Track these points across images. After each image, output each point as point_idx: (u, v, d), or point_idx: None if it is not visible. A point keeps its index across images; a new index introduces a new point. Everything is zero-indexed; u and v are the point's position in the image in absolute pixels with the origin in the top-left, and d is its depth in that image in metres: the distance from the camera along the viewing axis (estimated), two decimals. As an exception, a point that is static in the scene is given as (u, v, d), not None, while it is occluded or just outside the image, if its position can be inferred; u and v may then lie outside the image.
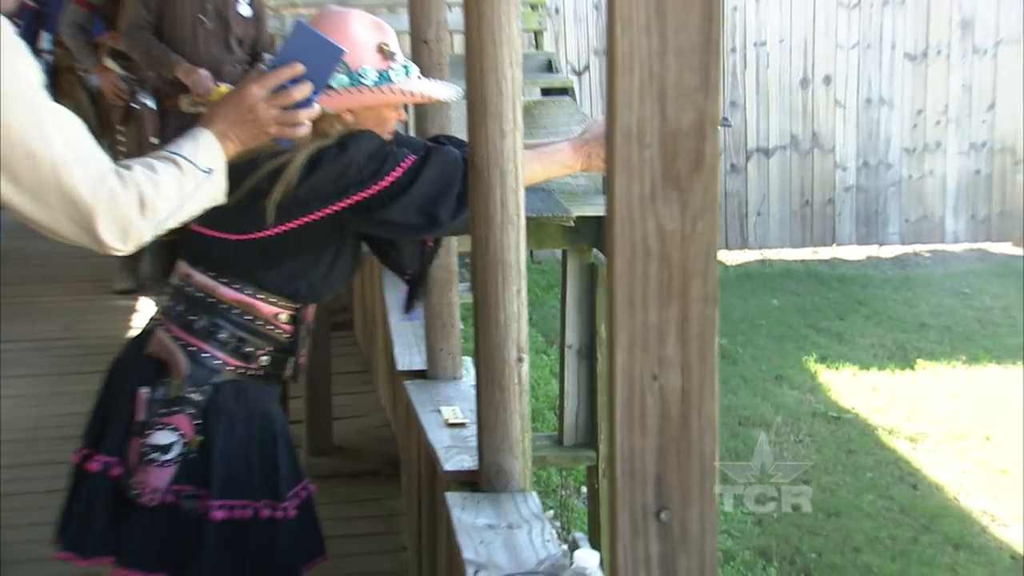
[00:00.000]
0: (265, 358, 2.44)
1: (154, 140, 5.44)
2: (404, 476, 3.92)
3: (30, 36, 5.61)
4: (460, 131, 3.14)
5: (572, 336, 3.64)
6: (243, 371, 2.42)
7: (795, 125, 9.40)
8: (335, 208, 2.34)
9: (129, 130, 5.86)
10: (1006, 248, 9.84)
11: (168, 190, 1.95)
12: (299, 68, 2.08)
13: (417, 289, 2.68)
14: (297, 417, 4.25)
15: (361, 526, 3.89)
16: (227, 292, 2.40)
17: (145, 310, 6.12)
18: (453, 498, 2.37)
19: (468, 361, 3.32)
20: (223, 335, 2.40)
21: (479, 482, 2.40)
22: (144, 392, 2.36)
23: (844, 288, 8.90)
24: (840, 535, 5.48)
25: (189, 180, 1.99)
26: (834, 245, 9.67)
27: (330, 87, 2.30)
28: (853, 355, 7.62)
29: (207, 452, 2.38)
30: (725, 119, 2.66)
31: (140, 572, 2.41)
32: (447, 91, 2.59)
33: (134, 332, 5.73)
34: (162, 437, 2.35)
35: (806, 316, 8.04)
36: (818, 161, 9.57)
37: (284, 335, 2.46)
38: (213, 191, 2.03)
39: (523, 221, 2.31)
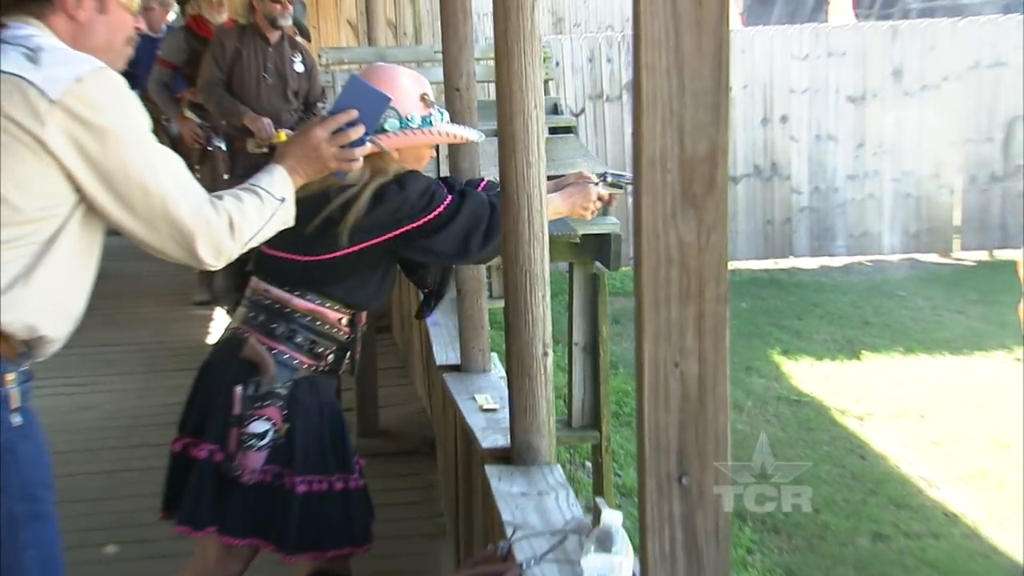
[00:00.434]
0: (331, 356, 2.47)
1: (225, 177, 5.47)
2: (440, 454, 3.94)
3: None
4: (488, 165, 3.17)
5: (578, 335, 3.63)
6: (315, 368, 2.45)
7: (758, 157, 9.36)
8: (391, 235, 2.37)
9: (204, 169, 5.88)
10: (933, 258, 9.80)
11: (251, 216, 1.98)
12: (353, 113, 2.11)
13: (433, 298, 2.70)
14: (348, 406, 4.26)
15: (403, 496, 3.88)
16: (300, 303, 2.42)
17: (218, 318, 6.18)
18: (491, 470, 2.38)
19: (495, 356, 3.34)
20: (299, 339, 2.42)
21: (511, 457, 2.41)
22: (239, 390, 2.38)
23: (801, 293, 8.88)
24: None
25: (267, 207, 2.01)
26: (792, 257, 9.63)
27: (384, 130, 2.32)
28: (809, 348, 7.60)
29: (290, 437, 2.40)
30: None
31: (238, 539, 2.43)
32: (475, 134, 2.63)
33: (211, 337, 5.81)
34: (258, 426, 2.37)
35: (770, 316, 8.02)
36: (777, 187, 9.54)
37: (345, 336, 2.48)
38: (285, 216, 2.06)
39: (547, 238, 2.32)
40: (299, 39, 5.86)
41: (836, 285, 9.15)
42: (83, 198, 1.82)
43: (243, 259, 2.11)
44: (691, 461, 1.28)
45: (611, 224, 3.48)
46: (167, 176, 1.87)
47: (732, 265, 9.76)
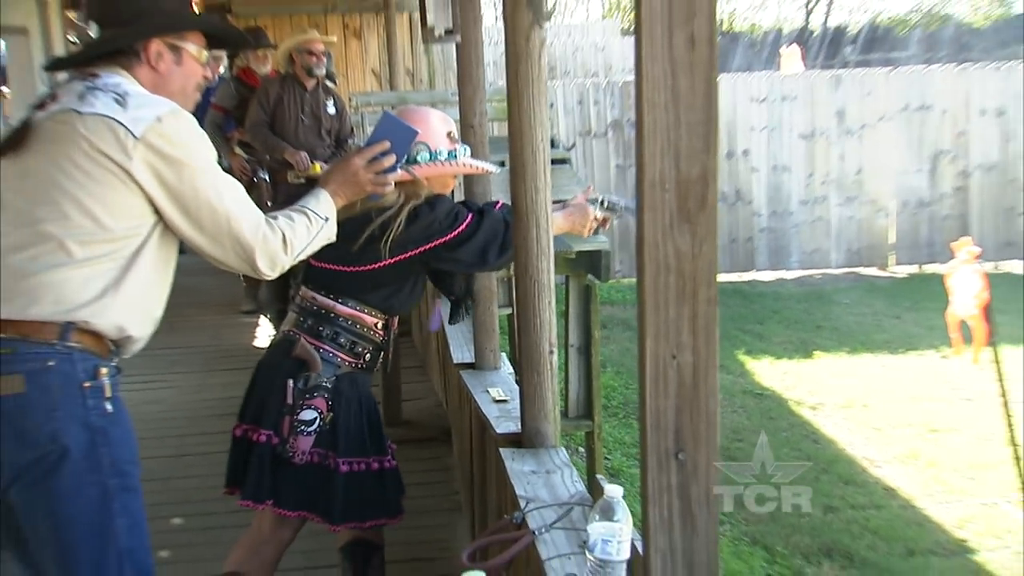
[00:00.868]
0: (368, 355, 2.46)
1: (269, 204, 5.46)
2: (455, 440, 3.93)
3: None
4: (497, 191, 3.17)
5: (574, 338, 3.61)
6: (355, 365, 2.44)
7: (724, 185, 9.30)
8: (423, 249, 2.38)
9: (251, 197, 5.87)
10: (873, 271, 9.79)
11: (301, 233, 1.98)
12: (386, 144, 2.12)
13: (460, 305, 2.68)
14: (375, 398, 4.26)
15: (423, 477, 3.86)
16: (343, 308, 2.42)
17: (263, 325, 6.16)
18: (505, 452, 2.37)
19: (504, 356, 3.34)
20: (342, 339, 2.42)
21: (522, 441, 2.40)
22: (291, 383, 2.37)
23: (761, 301, 8.87)
24: (765, 476, 5.47)
25: (314, 225, 2.02)
26: (753, 271, 9.62)
27: (415, 161, 2.33)
28: (769, 349, 7.59)
29: (334, 424, 2.40)
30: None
31: (291, 511, 2.43)
32: (493, 167, 2.65)
33: (256, 341, 5.79)
34: (307, 415, 2.37)
35: (735, 322, 7.99)
36: (741, 210, 9.54)
37: (380, 338, 2.48)
38: (329, 232, 2.06)
39: (552, 252, 2.32)
40: (330, 84, 5.87)
41: (791, 295, 9.15)
42: (161, 218, 1.83)
43: (284, 276, 2.11)
44: (686, 439, 1.28)
45: (601, 242, 3.47)
46: (231, 200, 1.88)
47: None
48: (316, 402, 2.37)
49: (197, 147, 1.83)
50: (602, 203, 2.55)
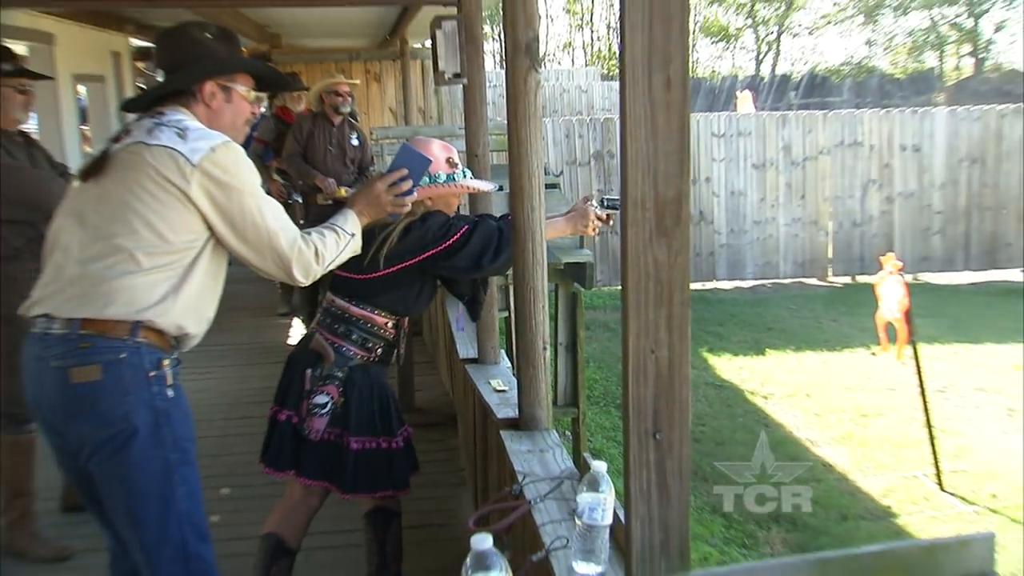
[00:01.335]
0: (380, 350, 2.43)
1: (301, 221, 5.44)
2: (460, 425, 3.90)
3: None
4: (500, 208, 3.15)
5: (562, 337, 3.60)
6: (367, 358, 2.41)
7: (690, 208, 9.38)
8: (419, 258, 2.35)
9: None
10: (814, 281, 9.79)
11: (331, 246, 1.98)
12: (404, 171, 2.11)
13: (474, 307, 2.64)
14: (390, 388, 4.23)
15: (432, 456, 3.84)
16: (355, 310, 2.40)
17: (295, 325, 6.13)
18: (505, 434, 2.35)
19: (503, 352, 3.31)
20: (354, 336, 2.39)
21: (519, 424, 2.38)
22: (308, 372, 2.37)
23: (721, 307, 8.87)
24: (724, 455, 5.44)
25: (342, 240, 2.01)
26: (714, 280, 9.62)
27: (420, 184, 2.32)
28: (728, 347, 7.59)
29: (346, 407, 2.37)
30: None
31: (312, 480, 2.41)
32: (488, 185, 2.61)
33: (290, 339, 5.76)
34: (320, 399, 2.36)
35: (698, 324, 7.98)
36: (704, 229, 9.53)
37: (391, 336, 2.45)
38: (355, 246, 2.06)
39: (545, 263, 2.30)
40: (354, 120, 5.86)
41: (746, 301, 9.15)
42: (213, 234, 1.83)
43: (314, 283, 2.11)
44: (663, 422, 1.27)
45: (586, 255, 3.47)
46: (271, 218, 1.87)
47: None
48: (328, 388, 2.36)
49: (244, 174, 1.83)
50: (603, 202, 2.52)
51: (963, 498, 5.02)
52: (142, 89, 7.49)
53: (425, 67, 9.29)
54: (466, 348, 3.48)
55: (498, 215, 2.50)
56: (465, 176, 2.47)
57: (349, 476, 2.38)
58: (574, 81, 17.00)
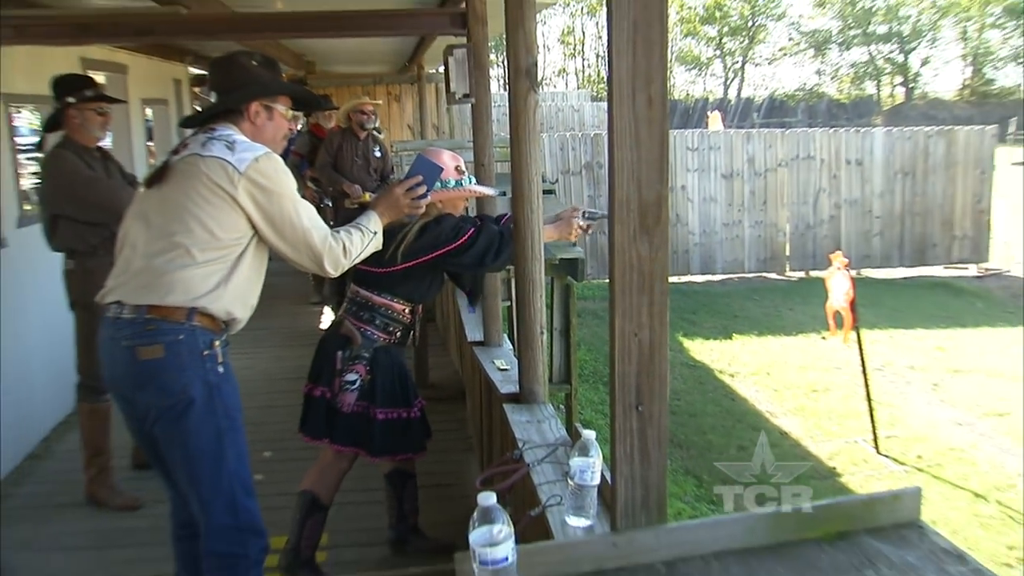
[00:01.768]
0: (399, 333, 2.42)
1: (331, 222, 5.41)
2: (468, 399, 3.87)
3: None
4: (501, 210, 3.13)
5: (556, 323, 3.56)
6: (388, 341, 2.41)
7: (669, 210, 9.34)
8: (433, 256, 2.34)
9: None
10: (774, 276, 9.77)
11: (357, 243, 1.96)
12: (419, 178, 2.10)
13: (474, 296, 2.66)
14: (407, 367, 4.20)
15: (444, 426, 3.82)
16: (377, 299, 2.39)
17: (326, 312, 6.10)
18: (507, 407, 2.35)
19: (505, 335, 3.31)
20: (377, 321, 2.39)
21: (520, 399, 2.38)
22: (339, 353, 2.36)
23: (694, 297, 8.87)
24: (696, 425, 5.46)
25: (366, 237, 2.00)
26: (688, 274, 9.59)
27: (433, 189, 2.30)
28: (700, 332, 7.60)
29: (372, 384, 2.37)
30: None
31: (343, 447, 2.42)
32: (491, 191, 2.62)
33: (321, 325, 5.73)
34: (350, 376, 2.36)
35: (675, 312, 7.91)
36: (680, 230, 9.50)
37: (408, 320, 2.44)
38: (377, 243, 2.04)
39: (543, 259, 2.29)
40: (377, 135, 5.84)
41: (717, 293, 9.14)
42: (256, 232, 1.83)
43: (342, 275, 2.10)
44: (644, 395, 1.26)
45: (577, 252, 3.45)
46: (306, 218, 1.86)
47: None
48: (357, 367, 2.36)
49: (283, 180, 1.83)
50: (584, 214, 2.52)
51: (895, 459, 5.05)
52: (197, 110, 7.53)
53: (439, 89, 9.26)
54: (474, 332, 3.46)
55: (501, 213, 2.49)
56: (471, 182, 2.47)
57: (377, 441, 2.38)
58: (568, 102, 16.97)
